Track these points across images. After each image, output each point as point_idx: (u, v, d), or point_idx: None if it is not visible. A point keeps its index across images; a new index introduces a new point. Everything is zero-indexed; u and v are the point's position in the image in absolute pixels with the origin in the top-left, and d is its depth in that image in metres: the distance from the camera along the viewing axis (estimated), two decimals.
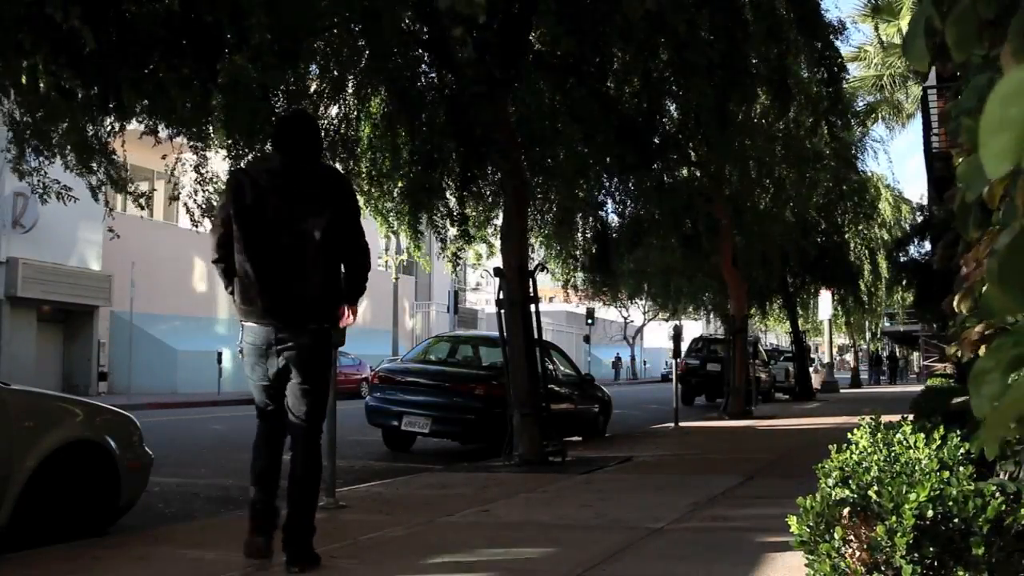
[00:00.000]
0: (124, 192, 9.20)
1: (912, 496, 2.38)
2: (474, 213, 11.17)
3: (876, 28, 20.30)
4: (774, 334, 53.73)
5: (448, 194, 10.59)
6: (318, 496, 4.55)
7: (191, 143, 8.56)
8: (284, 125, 4.53)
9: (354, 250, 4.29)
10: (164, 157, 9.15)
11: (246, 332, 4.26)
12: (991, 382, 0.92)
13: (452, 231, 11.35)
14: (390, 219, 11.36)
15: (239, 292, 4.18)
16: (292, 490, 4.29)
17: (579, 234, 13.77)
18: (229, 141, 8.46)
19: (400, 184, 10.42)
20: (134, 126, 8.57)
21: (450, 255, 11.74)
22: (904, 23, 18.91)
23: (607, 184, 12.81)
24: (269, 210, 4.13)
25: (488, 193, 10.86)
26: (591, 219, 13.48)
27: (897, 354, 52.53)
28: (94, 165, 8.37)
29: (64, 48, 6.07)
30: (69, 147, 8.03)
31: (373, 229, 11.48)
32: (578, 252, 14.19)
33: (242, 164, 7.73)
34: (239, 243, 4.14)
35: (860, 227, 24.87)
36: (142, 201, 9.48)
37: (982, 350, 3.03)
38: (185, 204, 9.47)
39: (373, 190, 10.55)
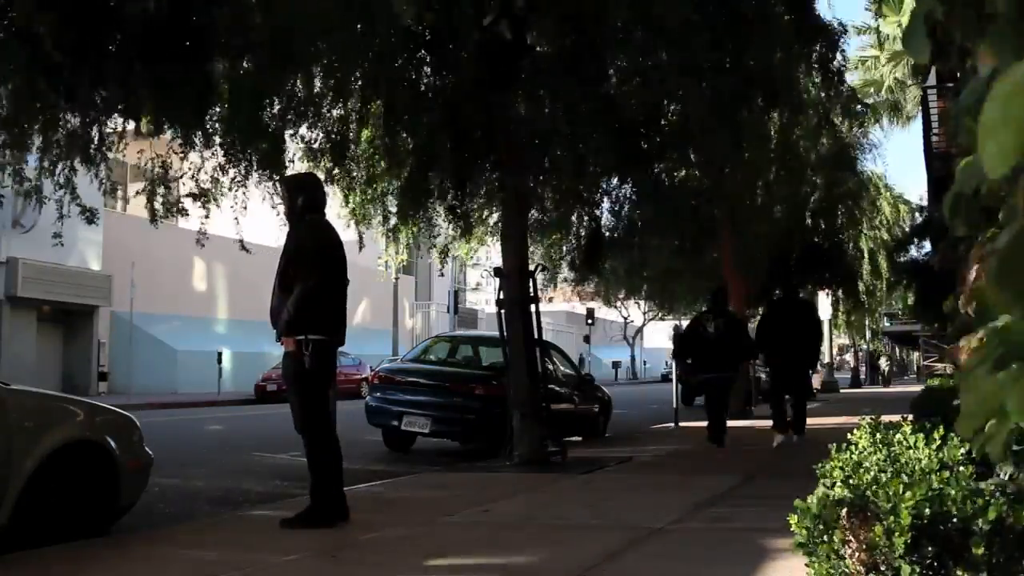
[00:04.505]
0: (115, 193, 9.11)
1: (908, 496, 2.38)
2: (472, 213, 11.15)
3: (877, 16, 20.18)
4: None
5: (446, 195, 10.57)
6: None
7: (185, 144, 8.47)
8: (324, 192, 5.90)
9: None
10: (140, 152, 9.00)
11: (328, 349, 5.36)
12: (979, 379, 0.93)
13: (450, 230, 11.33)
14: (389, 220, 11.33)
15: (331, 317, 5.35)
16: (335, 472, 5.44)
17: (576, 234, 13.75)
18: (228, 143, 8.41)
19: (398, 185, 10.40)
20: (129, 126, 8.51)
21: (439, 256, 11.73)
22: (905, 19, 18.87)
23: (605, 185, 12.80)
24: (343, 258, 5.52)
25: (485, 192, 10.84)
26: (588, 219, 13.47)
27: (880, 358, 51.29)
28: (78, 163, 8.28)
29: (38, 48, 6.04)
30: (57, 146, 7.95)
31: (372, 230, 11.47)
32: (575, 252, 14.18)
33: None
34: (329, 281, 5.34)
35: (859, 228, 24.83)
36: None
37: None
38: (182, 208, 9.36)
39: (371, 191, 10.53)
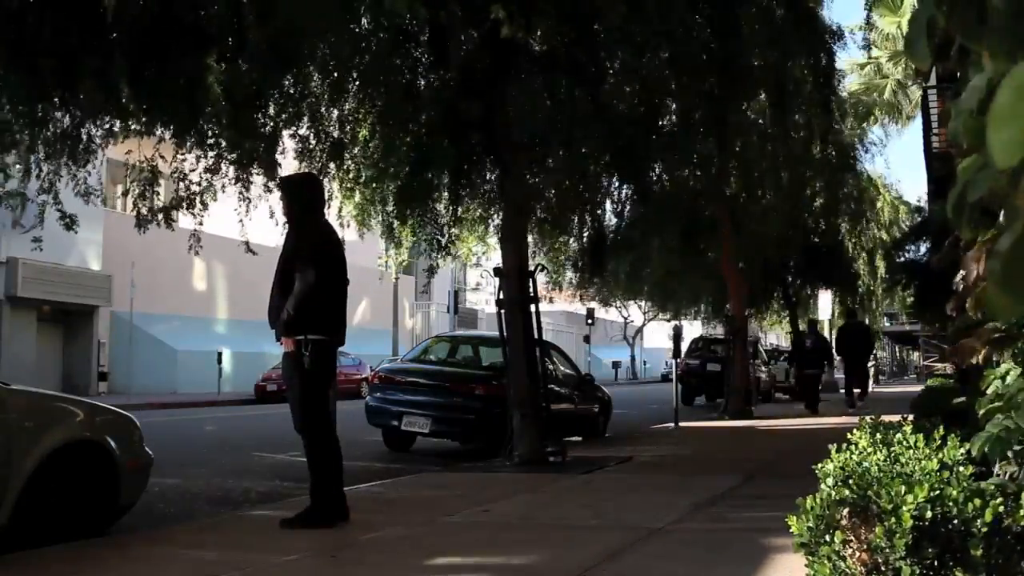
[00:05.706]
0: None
1: (910, 497, 2.38)
2: (471, 213, 11.14)
3: (867, 16, 20.14)
4: (774, 334, 53.61)
5: (444, 195, 10.56)
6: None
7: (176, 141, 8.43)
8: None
9: None
10: (129, 152, 8.94)
11: (327, 349, 5.36)
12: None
13: (448, 232, 11.32)
14: (388, 220, 11.32)
15: (330, 317, 5.34)
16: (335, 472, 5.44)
17: (576, 234, 13.75)
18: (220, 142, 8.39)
19: (395, 186, 10.38)
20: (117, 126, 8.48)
21: (440, 255, 11.73)
22: (905, 20, 18.82)
23: (604, 184, 12.79)
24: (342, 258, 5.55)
25: (485, 192, 10.83)
26: (588, 219, 13.46)
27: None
28: (67, 161, 8.25)
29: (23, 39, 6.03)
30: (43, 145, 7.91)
31: (372, 231, 11.46)
32: (574, 253, 14.17)
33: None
34: (329, 281, 5.32)
35: (859, 228, 24.82)
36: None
37: (982, 356, 3.02)
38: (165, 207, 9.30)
39: (368, 191, 10.52)
